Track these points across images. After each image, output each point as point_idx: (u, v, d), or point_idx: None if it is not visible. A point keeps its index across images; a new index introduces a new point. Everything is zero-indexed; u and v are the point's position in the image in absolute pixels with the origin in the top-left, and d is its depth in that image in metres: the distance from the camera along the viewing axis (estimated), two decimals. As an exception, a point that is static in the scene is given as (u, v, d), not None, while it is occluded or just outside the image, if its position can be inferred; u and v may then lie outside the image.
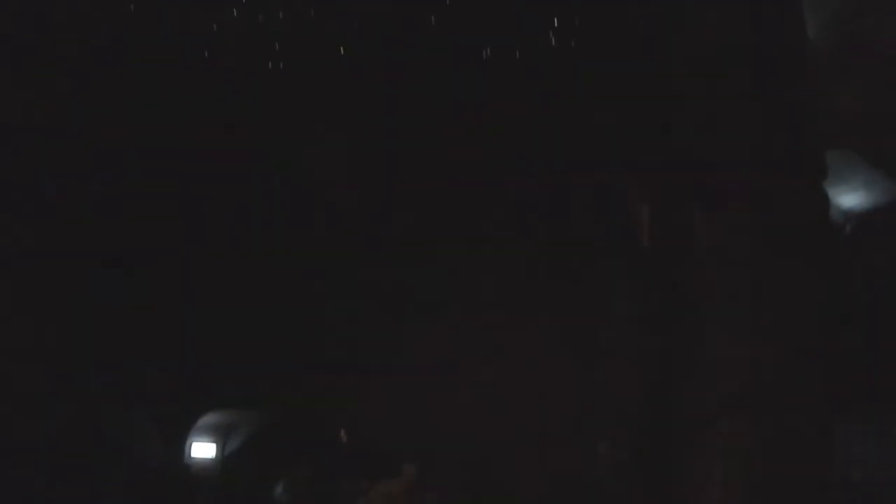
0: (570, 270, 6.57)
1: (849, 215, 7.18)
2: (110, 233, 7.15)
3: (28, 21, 6.58)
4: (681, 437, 5.95)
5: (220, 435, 8.64)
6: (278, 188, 7.03)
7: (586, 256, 6.51)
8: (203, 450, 8.66)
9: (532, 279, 6.68)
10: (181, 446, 8.37)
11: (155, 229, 7.07)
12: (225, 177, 6.89)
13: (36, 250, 6.96)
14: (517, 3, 5.88)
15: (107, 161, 6.98)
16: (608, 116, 5.99)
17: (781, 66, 5.62)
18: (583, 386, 6.76)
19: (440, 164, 6.50)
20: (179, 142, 6.82)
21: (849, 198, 6.85)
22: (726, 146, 5.65)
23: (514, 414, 7.08)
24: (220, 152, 6.83)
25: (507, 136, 6.30)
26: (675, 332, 5.85)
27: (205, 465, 8.56)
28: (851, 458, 6.22)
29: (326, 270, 7.21)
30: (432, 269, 6.74)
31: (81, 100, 6.72)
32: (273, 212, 7.21)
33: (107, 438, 7.69)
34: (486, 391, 7.09)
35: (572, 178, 6.43)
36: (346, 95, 6.44)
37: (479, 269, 6.69)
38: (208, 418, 8.92)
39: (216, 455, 8.60)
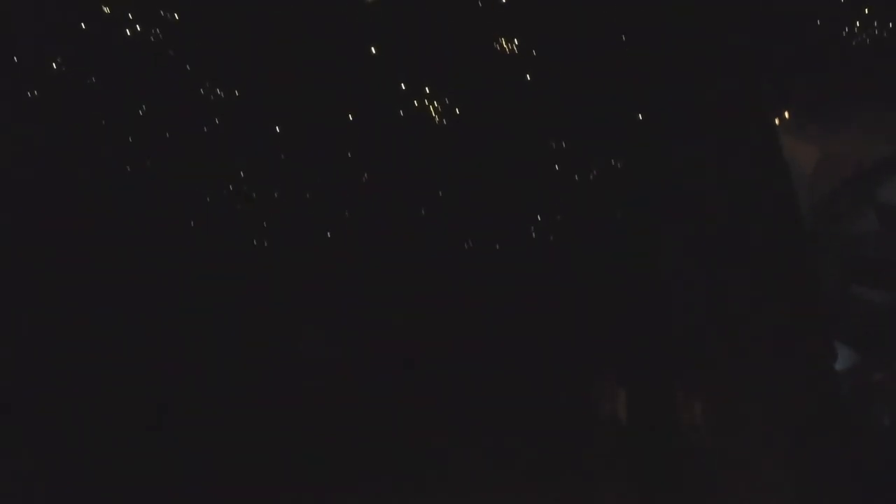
0: (555, 458, 6.68)
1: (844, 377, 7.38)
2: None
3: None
4: None
5: None
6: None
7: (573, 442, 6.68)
8: None
9: (516, 468, 6.64)
10: None
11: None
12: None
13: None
14: (500, 197, 6.30)
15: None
16: (588, 299, 6.51)
17: (781, 254, 6.22)
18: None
19: (431, 365, 6.30)
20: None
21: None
22: (721, 334, 6.22)
23: None
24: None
25: (488, 325, 6.46)
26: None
27: None
28: None
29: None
30: (423, 466, 6.28)
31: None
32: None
33: None
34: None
35: (554, 367, 6.66)
36: (332, 276, 6.24)
37: (463, 461, 6.46)
38: None
39: None
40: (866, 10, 7.26)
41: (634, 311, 6.73)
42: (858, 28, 7.44)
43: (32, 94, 6.01)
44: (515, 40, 6.00)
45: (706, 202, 6.77)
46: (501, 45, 6.01)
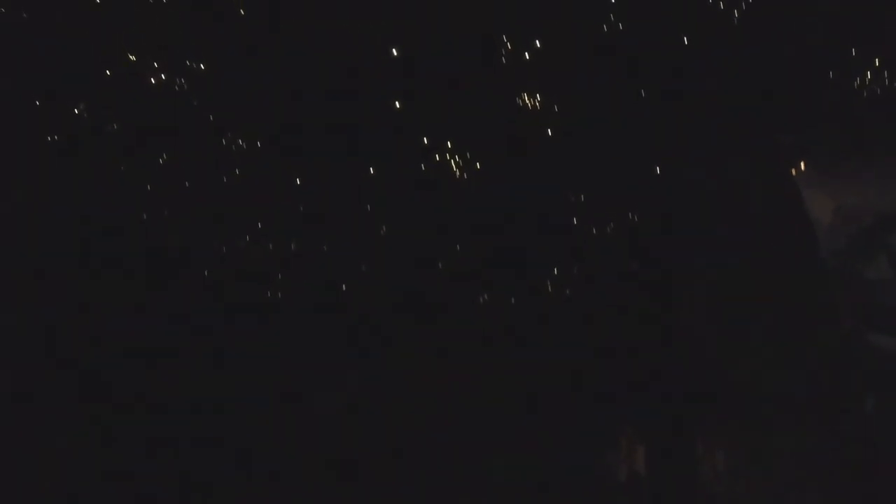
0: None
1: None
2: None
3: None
4: None
5: None
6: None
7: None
8: None
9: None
10: None
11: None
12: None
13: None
14: (517, 250, 6.29)
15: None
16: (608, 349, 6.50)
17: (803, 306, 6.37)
18: None
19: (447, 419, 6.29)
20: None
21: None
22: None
23: None
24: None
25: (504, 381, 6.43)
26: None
27: None
28: None
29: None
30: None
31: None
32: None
33: None
34: None
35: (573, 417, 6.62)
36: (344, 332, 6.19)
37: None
38: None
39: None
40: (876, 62, 7.32)
41: (653, 362, 6.71)
42: (869, 80, 7.52)
43: (54, 138, 6.02)
44: (537, 96, 6.01)
45: (724, 255, 6.85)
46: (524, 101, 6.02)
